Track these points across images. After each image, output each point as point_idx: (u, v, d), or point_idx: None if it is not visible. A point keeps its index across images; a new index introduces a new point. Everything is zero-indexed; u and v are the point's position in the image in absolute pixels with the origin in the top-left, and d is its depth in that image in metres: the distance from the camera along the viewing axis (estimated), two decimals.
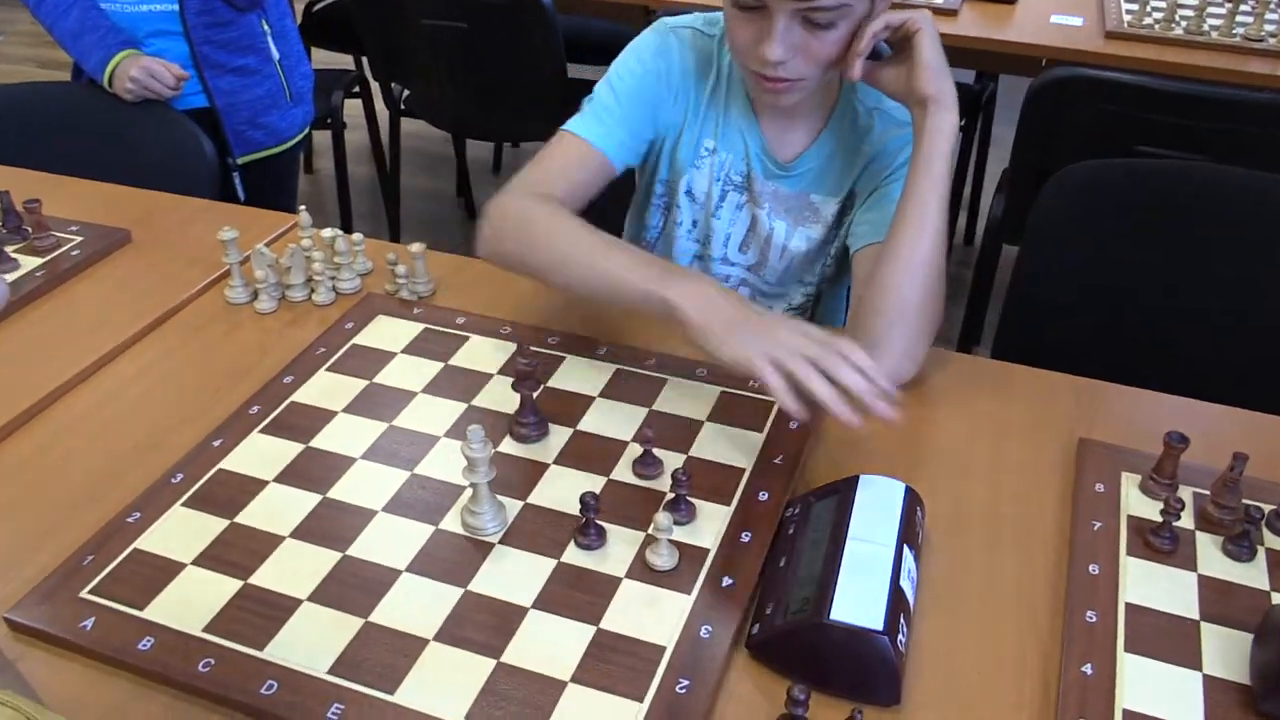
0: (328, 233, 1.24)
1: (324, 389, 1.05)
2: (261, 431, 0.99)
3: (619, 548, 0.87)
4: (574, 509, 0.91)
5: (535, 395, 0.95)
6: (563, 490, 0.92)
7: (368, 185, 3.26)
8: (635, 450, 0.97)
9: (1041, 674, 0.79)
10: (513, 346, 1.12)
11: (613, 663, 0.78)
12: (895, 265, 1.03)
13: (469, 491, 0.89)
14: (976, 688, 0.78)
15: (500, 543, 0.86)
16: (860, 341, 1.05)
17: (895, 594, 0.78)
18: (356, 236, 1.24)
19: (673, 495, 0.90)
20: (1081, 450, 0.98)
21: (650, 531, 0.88)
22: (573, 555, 0.87)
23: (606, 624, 0.81)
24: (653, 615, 0.82)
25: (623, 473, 0.95)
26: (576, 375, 1.06)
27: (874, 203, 1.17)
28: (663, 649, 0.79)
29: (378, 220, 3.04)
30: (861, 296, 1.08)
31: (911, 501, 0.87)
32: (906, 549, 0.83)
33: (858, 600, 0.77)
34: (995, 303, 2.09)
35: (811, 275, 1.29)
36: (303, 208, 1.27)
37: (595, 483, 0.94)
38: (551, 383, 1.06)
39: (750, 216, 1.26)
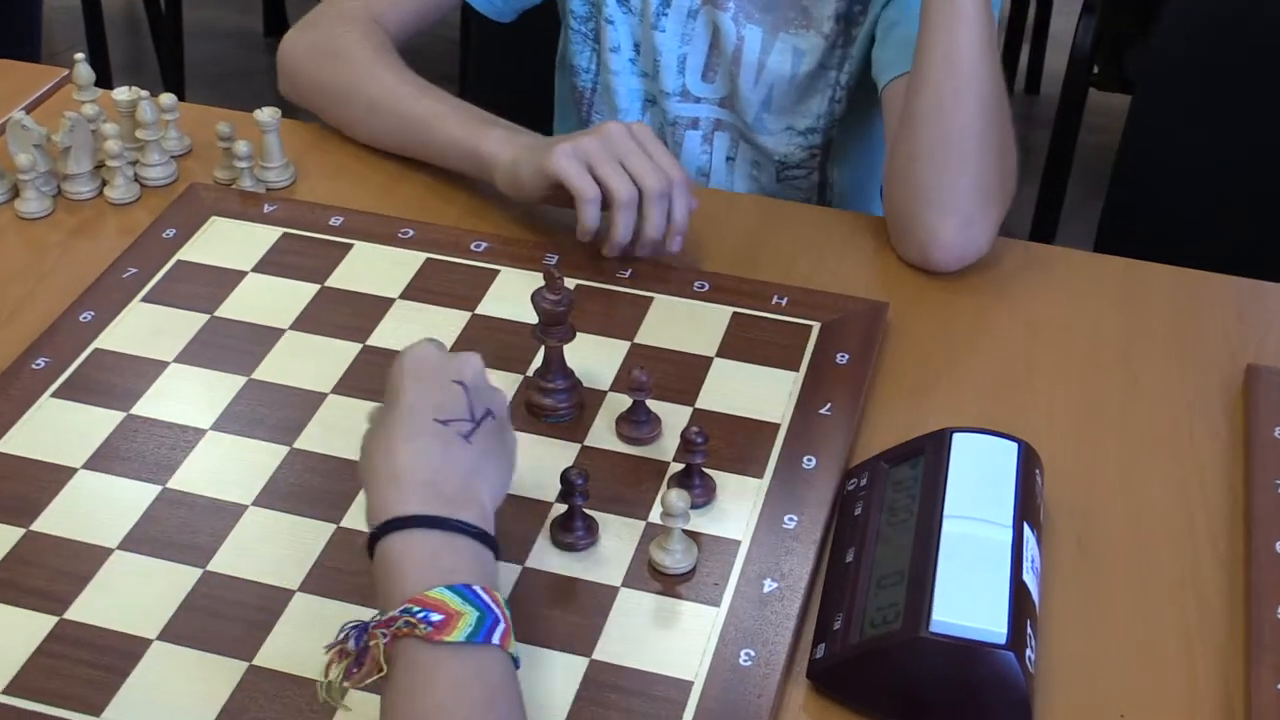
0: (122, 93, 1.22)
1: (141, 329, 1.05)
2: (55, 396, 0.99)
3: (613, 545, 0.89)
4: (547, 493, 0.92)
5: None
6: (528, 466, 0.93)
7: (123, 19, 3.18)
8: (619, 402, 0.98)
9: (1222, 694, 0.83)
10: (416, 257, 1.12)
11: (616, 707, 0.79)
12: (931, 86, 1.08)
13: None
14: (1133, 716, 0.81)
15: None
16: (901, 208, 1.11)
17: (1018, 592, 0.80)
18: (167, 99, 1.22)
19: (682, 466, 0.92)
20: (1251, 381, 1.02)
21: (657, 519, 0.90)
22: (549, 558, 0.88)
23: (603, 653, 0.82)
24: (668, 638, 0.83)
25: (603, 436, 0.96)
26: (515, 295, 1.07)
27: (902, 13, 1.20)
28: (687, 684, 0.80)
29: (143, 73, 2.98)
30: (894, 144, 1.12)
31: (1028, 463, 0.89)
32: (1028, 529, 0.85)
33: (967, 602, 0.79)
34: (1079, 179, 2.16)
35: (807, 114, 1.31)
36: (80, 56, 1.24)
37: (566, 453, 0.95)
38: (482, 308, 1.07)
39: (709, 25, 1.28)
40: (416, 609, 0.69)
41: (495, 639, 0.70)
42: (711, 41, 1.28)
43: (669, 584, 0.86)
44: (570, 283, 1.06)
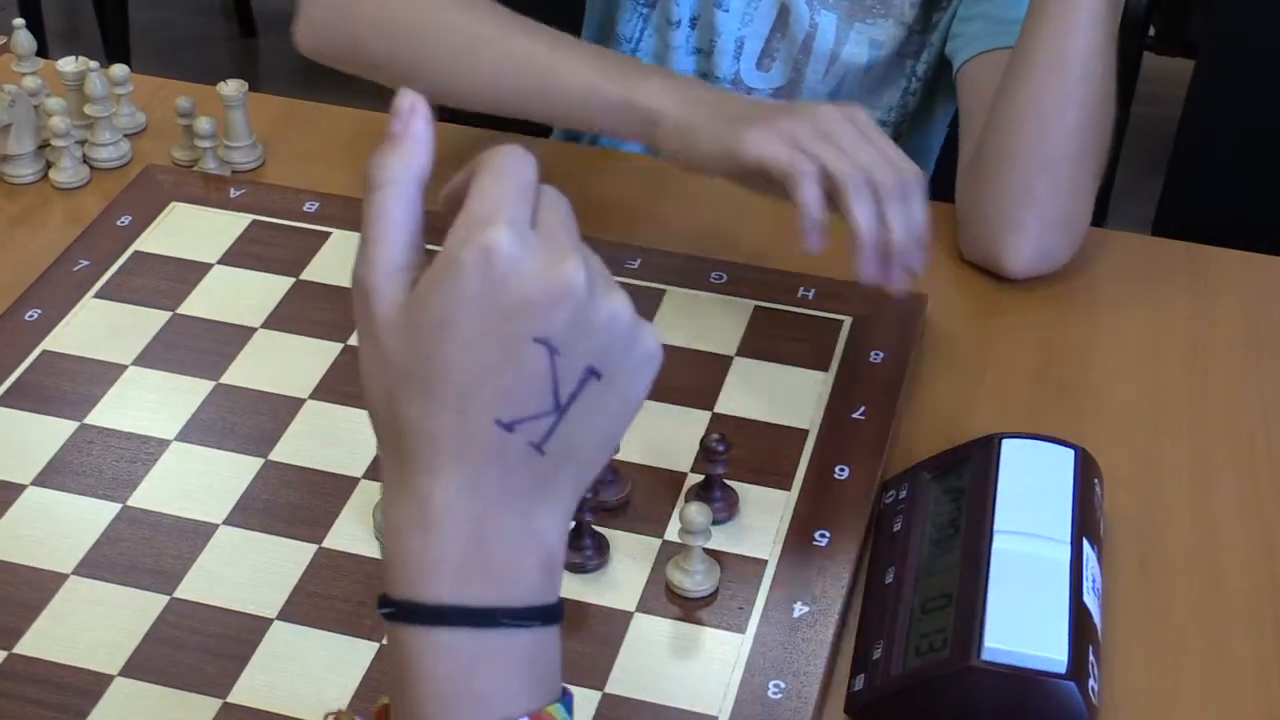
0: (68, 64, 1.22)
1: (95, 329, 1.05)
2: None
3: (625, 566, 0.89)
4: None
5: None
6: None
7: None
8: None
9: None
10: None
11: None
12: (1033, 86, 1.07)
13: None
14: None
15: None
16: (980, 209, 1.10)
17: (1079, 616, 0.81)
18: (119, 70, 1.22)
19: (702, 478, 0.93)
20: None
21: (674, 536, 0.90)
22: None
23: (616, 685, 0.82)
24: (688, 668, 0.83)
25: None
26: None
27: None
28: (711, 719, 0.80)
29: (82, 40, 2.98)
30: (981, 139, 1.12)
31: (1086, 472, 0.90)
32: (1087, 546, 0.85)
33: (1023, 627, 0.79)
34: (1133, 154, 2.16)
35: (878, 107, 1.31)
36: (19, 22, 1.25)
37: None
38: None
39: (777, 6, 1.27)
40: None
41: None
42: (776, 25, 1.27)
43: (688, 609, 0.87)
44: None
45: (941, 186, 1.27)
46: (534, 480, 0.56)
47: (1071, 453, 0.90)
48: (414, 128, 0.56)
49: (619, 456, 0.92)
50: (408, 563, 0.56)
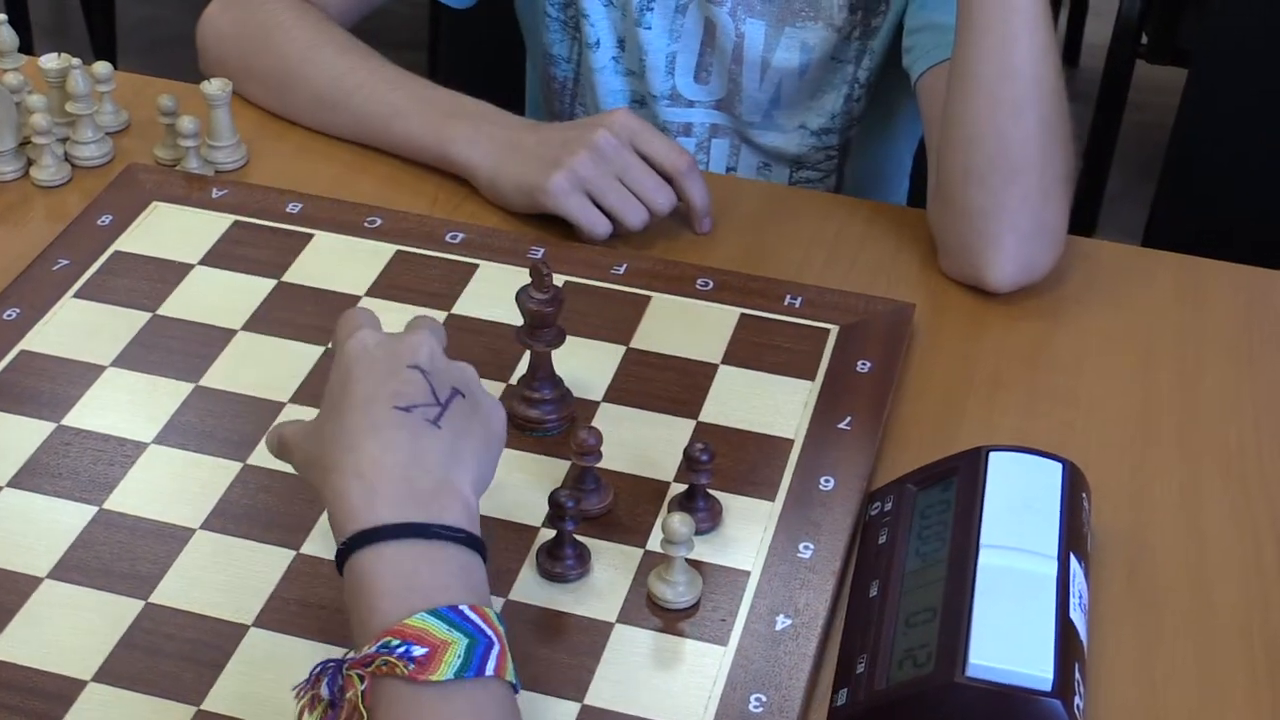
0: (50, 61, 1.22)
1: (74, 329, 1.05)
2: None
3: (607, 575, 0.89)
4: (534, 516, 0.92)
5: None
6: (511, 486, 0.93)
7: None
8: (614, 414, 1.00)
9: None
10: (384, 250, 1.12)
11: None
12: (982, 99, 1.06)
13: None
14: None
15: None
16: (954, 230, 1.10)
17: (1065, 632, 0.80)
18: (103, 68, 1.22)
19: (685, 487, 0.93)
20: None
21: (657, 546, 0.90)
22: (535, 590, 0.88)
23: (596, 698, 0.82)
24: (670, 681, 0.83)
25: None
26: (496, 293, 1.07)
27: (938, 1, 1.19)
28: None
29: (68, 37, 2.97)
30: (940, 160, 1.11)
31: (1074, 486, 0.90)
32: (1074, 561, 0.85)
33: (1008, 643, 0.79)
34: (1124, 164, 2.16)
35: (820, 113, 1.31)
36: (1, 18, 1.24)
37: (554, 471, 0.96)
38: (459, 307, 1.08)
39: (701, 20, 1.28)
40: (396, 642, 0.68)
41: (489, 668, 0.68)
42: (705, 39, 1.28)
43: (670, 620, 0.87)
44: (559, 279, 1.06)
45: (922, 195, 1.28)
46: (442, 447, 0.75)
47: (1060, 466, 0.90)
48: None
49: (602, 465, 0.92)
50: (353, 507, 0.72)
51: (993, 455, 0.90)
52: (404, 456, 0.74)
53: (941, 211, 1.12)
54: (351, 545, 0.71)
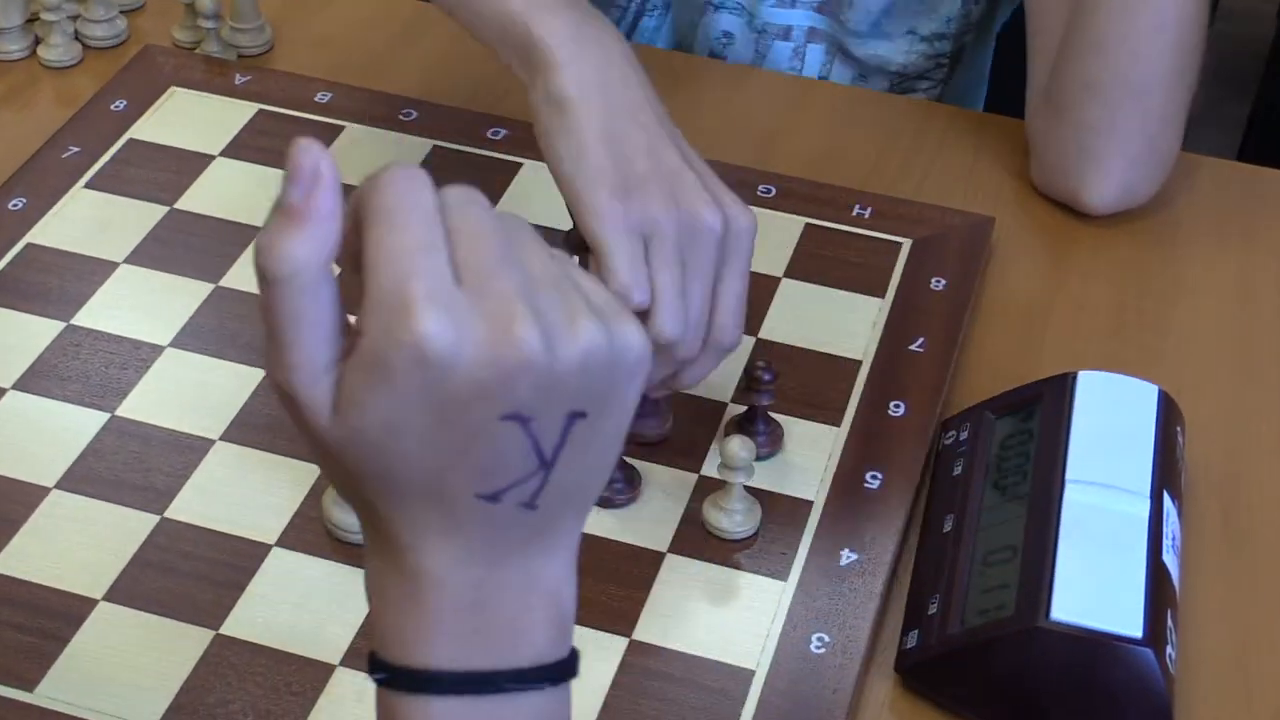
0: None
1: (85, 222, 1.04)
2: None
3: (658, 502, 0.88)
4: None
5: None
6: None
7: None
8: None
9: None
10: (420, 145, 1.10)
11: (659, 697, 0.78)
12: (1128, 7, 1.03)
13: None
14: None
15: None
16: (1057, 143, 1.08)
17: (1157, 577, 0.79)
18: None
19: (744, 409, 0.91)
20: None
21: (713, 471, 0.88)
22: None
23: (645, 633, 0.82)
24: (724, 617, 0.83)
25: None
26: (541, 194, 1.03)
27: None
28: (746, 674, 0.79)
29: None
30: (1059, 65, 1.08)
31: (1169, 417, 0.88)
32: (1168, 499, 0.84)
33: (1095, 588, 0.78)
34: (1214, 76, 2.12)
35: (935, 17, 1.28)
36: None
37: None
38: (501, 209, 1.05)
39: None
40: None
41: None
42: None
43: (726, 551, 0.85)
44: None
45: (1003, 100, 1.24)
46: (531, 532, 0.52)
47: (1155, 391, 0.89)
48: (317, 203, 0.49)
49: None
50: (402, 631, 0.53)
51: (1081, 376, 0.89)
52: (480, 572, 0.52)
53: (1046, 122, 1.10)
54: (395, 680, 0.54)
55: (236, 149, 1.10)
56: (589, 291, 0.51)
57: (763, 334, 0.98)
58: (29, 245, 1.02)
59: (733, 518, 0.86)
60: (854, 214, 1.07)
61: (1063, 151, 1.08)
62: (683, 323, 0.81)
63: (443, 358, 0.46)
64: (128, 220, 1.04)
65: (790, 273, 1.03)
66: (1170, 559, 0.82)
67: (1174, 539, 0.83)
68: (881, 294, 1.01)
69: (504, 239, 0.50)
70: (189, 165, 1.09)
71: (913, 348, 0.97)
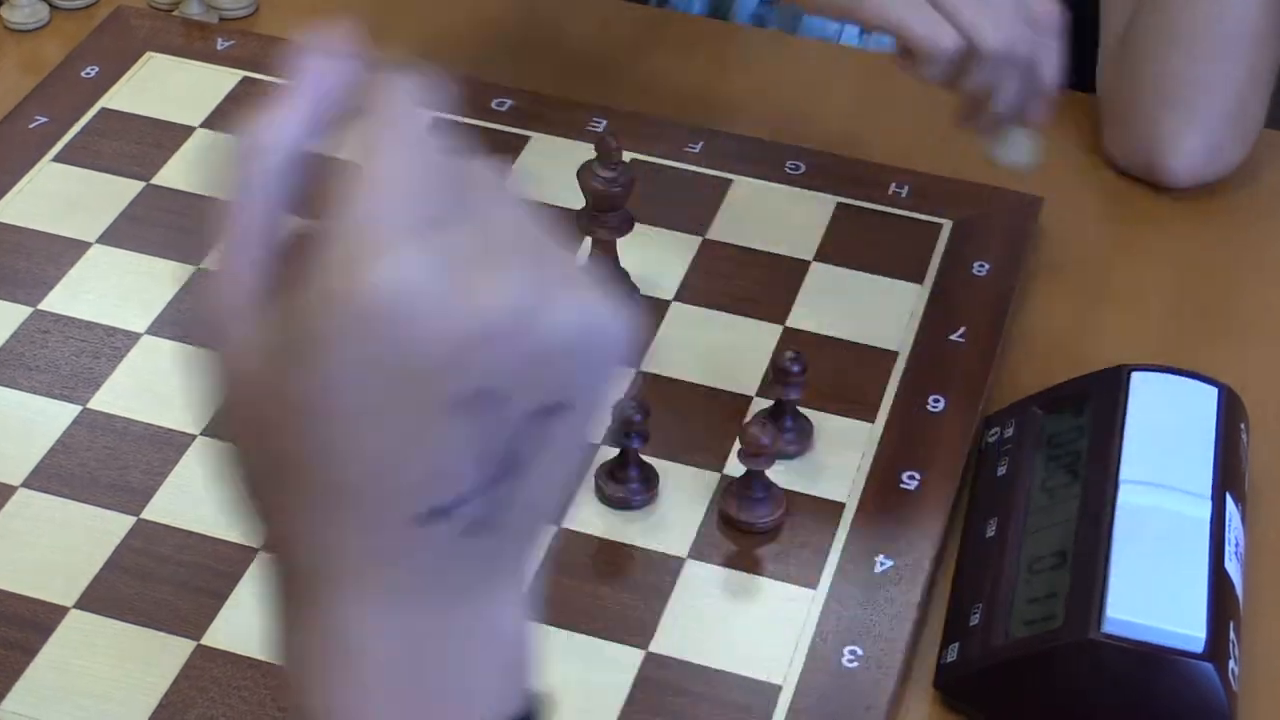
0: None
1: (53, 198, 1.03)
2: None
3: (677, 502, 0.87)
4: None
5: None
6: None
7: None
8: (686, 317, 0.98)
9: None
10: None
11: (680, 715, 0.78)
12: None
13: None
14: None
15: None
16: (1135, 102, 1.07)
17: (1219, 585, 0.78)
18: None
19: (771, 403, 0.90)
20: None
21: (735, 470, 0.88)
22: (594, 518, 0.87)
23: (662, 645, 0.81)
24: (749, 628, 0.82)
25: (666, 359, 0.95)
26: (550, 170, 1.03)
27: None
28: (773, 689, 0.79)
29: None
30: (1137, 14, 1.07)
31: (1232, 415, 0.87)
32: (1231, 502, 0.83)
33: (1153, 596, 0.77)
34: None
35: None
36: None
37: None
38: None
39: None
40: None
41: None
42: None
43: (750, 554, 0.85)
44: (624, 155, 1.02)
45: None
46: (482, 564, 0.45)
47: (1215, 390, 0.88)
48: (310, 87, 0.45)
49: (672, 374, 0.91)
50: (329, 707, 0.45)
51: (1135, 375, 0.88)
52: (418, 620, 0.45)
53: (1121, 80, 1.08)
54: None
55: (218, 119, 1.10)
56: (573, 266, 0.44)
57: (790, 323, 0.97)
58: None
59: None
60: (890, 193, 1.05)
61: (1142, 110, 1.07)
62: (999, 26, 0.88)
63: (402, 309, 0.39)
64: (100, 197, 1.03)
65: (821, 256, 1.02)
66: (1233, 566, 0.81)
67: (1237, 545, 0.83)
68: (920, 279, 1.00)
69: (489, 199, 0.44)
70: (166, 137, 1.08)
71: (954, 338, 0.96)
